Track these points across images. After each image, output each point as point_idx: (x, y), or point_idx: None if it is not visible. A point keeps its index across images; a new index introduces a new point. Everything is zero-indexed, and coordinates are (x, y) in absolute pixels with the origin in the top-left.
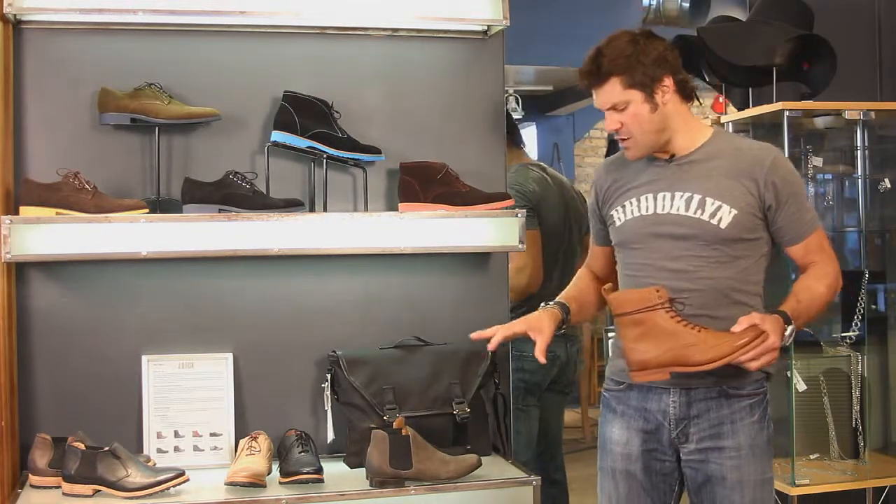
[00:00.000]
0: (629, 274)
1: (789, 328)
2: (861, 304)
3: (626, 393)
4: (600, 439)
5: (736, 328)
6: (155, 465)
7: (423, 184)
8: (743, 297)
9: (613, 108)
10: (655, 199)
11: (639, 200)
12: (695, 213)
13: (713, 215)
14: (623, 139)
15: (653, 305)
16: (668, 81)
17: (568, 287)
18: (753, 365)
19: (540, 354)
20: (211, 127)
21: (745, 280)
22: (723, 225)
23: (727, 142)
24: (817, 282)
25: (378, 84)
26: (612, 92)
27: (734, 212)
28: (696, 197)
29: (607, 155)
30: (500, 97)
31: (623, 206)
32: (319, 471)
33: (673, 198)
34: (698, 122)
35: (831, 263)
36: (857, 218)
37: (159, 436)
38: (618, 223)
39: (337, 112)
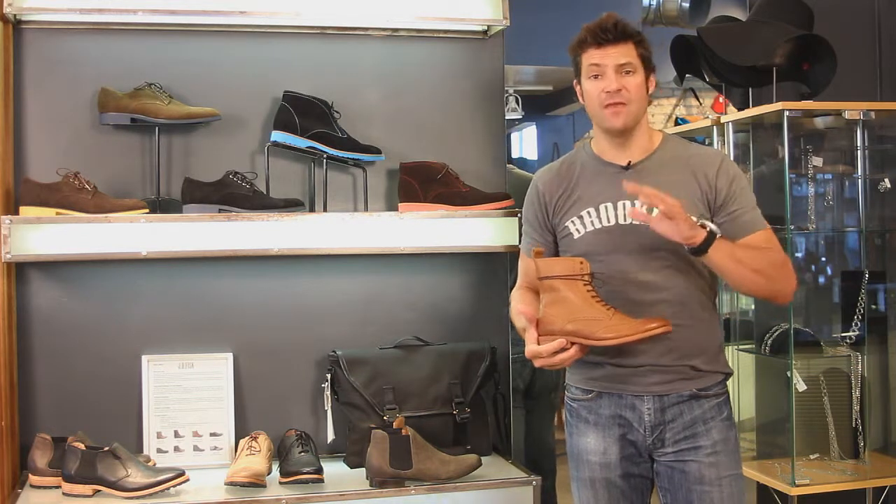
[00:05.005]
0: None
1: (711, 225)
2: (861, 304)
3: (597, 401)
4: (572, 450)
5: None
6: (155, 465)
7: (423, 184)
8: (705, 305)
9: (623, 69)
10: (615, 208)
11: (597, 210)
12: None
13: None
14: (619, 103)
15: (571, 275)
16: (653, 78)
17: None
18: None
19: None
20: (211, 127)
21: (705, 288)
22: None
23: (678, 147)
24: (761, 251)
25: (378, 84)
26: (628, 53)
27: (693, 218)
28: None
29: None
30: (500, 97)
31: (580, 217)
32: (319, 471)
33: (633, 207)
34: (651, 127)
35: (781, 254)
36: (857, 218)
37: (159, 436)
38: (576, 235)
39: (337, 112)
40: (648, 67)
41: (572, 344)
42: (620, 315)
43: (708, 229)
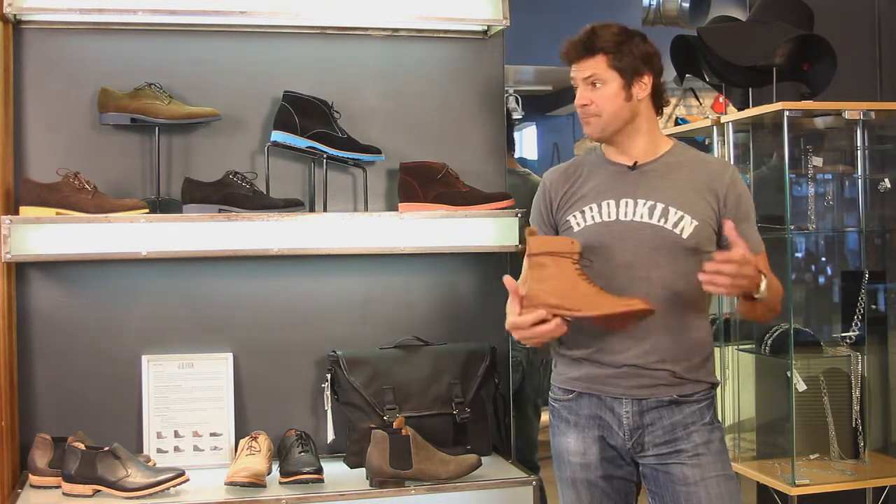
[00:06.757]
0: None
1: (763, 283)
2: (861, 304)
3: (577, 402)
4: (555, 450)
5: (720, 256)
6: (155, 465)
7: (423, 184)
8: (698, 311)
9: (591, 83)
10: (618, 205)
11: (599, 206)
12: (658, 221)
13: (676, 225)
14: (588, 116)
15: (562, 252)
16: (648, 80)
17: None
18: (722, 284)
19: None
20: (211, 127)
21: (700, 295)
22: (685, 235)
23: (687, 154)
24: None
25: (378, 84)
26: (594, 66)
27: (695, 223)
28: (660, 206)
29: None
30: (500, 97)
31: (582, 212)
32: (319, 471)
33: (636, 205)
34: (661, 133)
35: (776, 281)
36: (857, 218)
37: (159, 436)
38: (576, 228)
39: (337, 112)
40: (631, 74)
41: (554, 317)
42: (605, 293)
43: (762, 290)
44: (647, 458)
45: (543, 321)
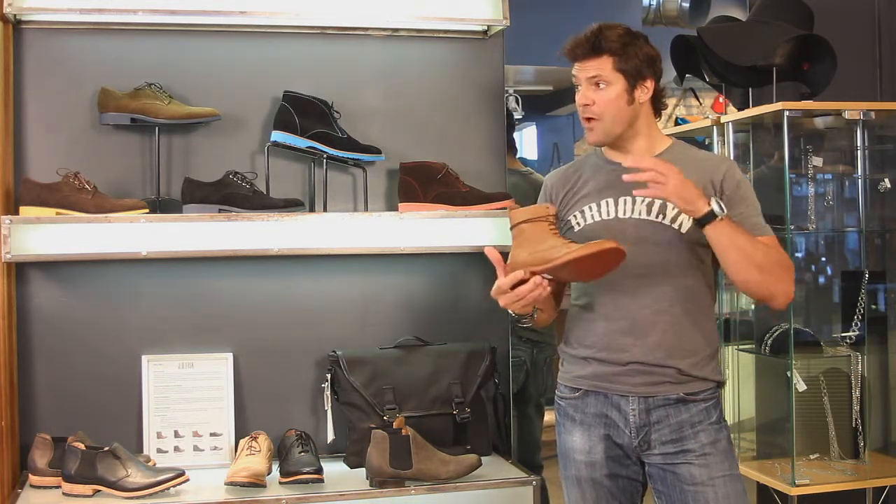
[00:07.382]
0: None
1: (713, 201)
2: (861, 304)
3: (583, 400)
4: (560, 448)
5: (630, 161)
6: (155, 465)
7: (423, 184)
8: (701, 306)
9: (595, 83)
10: (616, 202)
11: (598, 205)
12: (656, 217)
13: (674, 220)
14: (589, 119)
15: (537, 217)
16: (650, 84)
17: None
18: (646, 167)
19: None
20: (211, 127)
21: (704, 290)
22: (683, 230)
23: (685, 151)
24: (766, 247)
25: (378, 84)
26: (600, 67)
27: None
28: (658, 201)
29: None
30: (500, 97)
31: (582, 211)
32: (319, 471)
33: (634, 202)
34: (660, 132)
35: (785, 257)
36: (857, 218)
37: (159, 436)
38: (577, 228)
39: (337, 112)
40: (635, 77)
41: (532, 275)
42: (574, 243)
43: (711, 206)
44: (654, 457)
45: (522, 281)
